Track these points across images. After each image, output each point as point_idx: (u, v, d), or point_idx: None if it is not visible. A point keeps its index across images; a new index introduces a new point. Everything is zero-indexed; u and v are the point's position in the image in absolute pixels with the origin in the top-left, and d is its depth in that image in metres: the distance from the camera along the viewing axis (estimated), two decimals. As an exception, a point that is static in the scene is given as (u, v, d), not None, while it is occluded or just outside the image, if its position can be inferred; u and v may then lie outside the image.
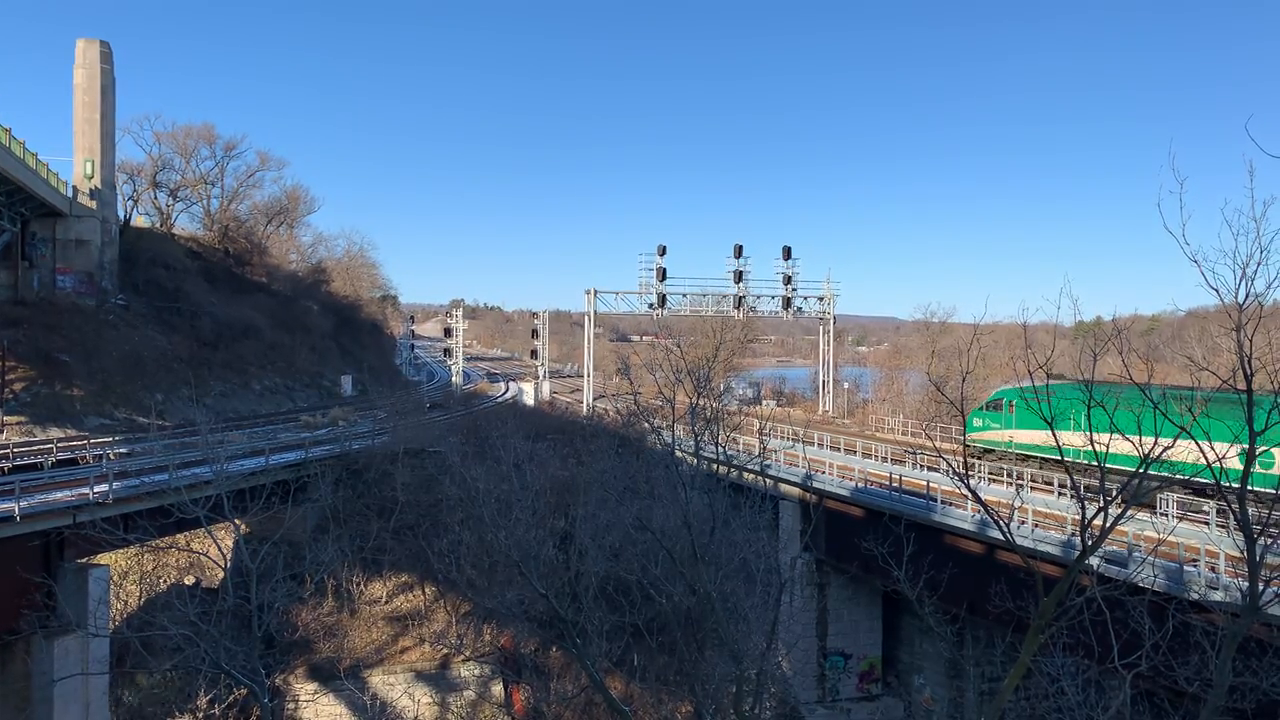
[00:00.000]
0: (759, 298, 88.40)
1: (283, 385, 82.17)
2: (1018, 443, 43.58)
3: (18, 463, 42.20)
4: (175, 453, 38.01)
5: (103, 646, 33.13)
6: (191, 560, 44.88)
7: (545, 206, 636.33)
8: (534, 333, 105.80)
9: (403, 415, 57.86)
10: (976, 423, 46.05)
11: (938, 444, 42.57)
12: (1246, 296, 14.66)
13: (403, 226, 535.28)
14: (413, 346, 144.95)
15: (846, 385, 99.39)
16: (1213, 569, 25.47)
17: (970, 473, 38.96)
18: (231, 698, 38.52)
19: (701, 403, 30.00)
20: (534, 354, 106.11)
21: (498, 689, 42.57)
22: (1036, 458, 42.19)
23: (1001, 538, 20.62)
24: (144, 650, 36.06)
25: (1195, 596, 24.23)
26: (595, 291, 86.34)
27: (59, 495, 33.54)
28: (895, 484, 39.72)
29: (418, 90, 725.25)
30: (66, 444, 47.65)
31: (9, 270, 67.53)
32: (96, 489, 33.29)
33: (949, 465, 28.01)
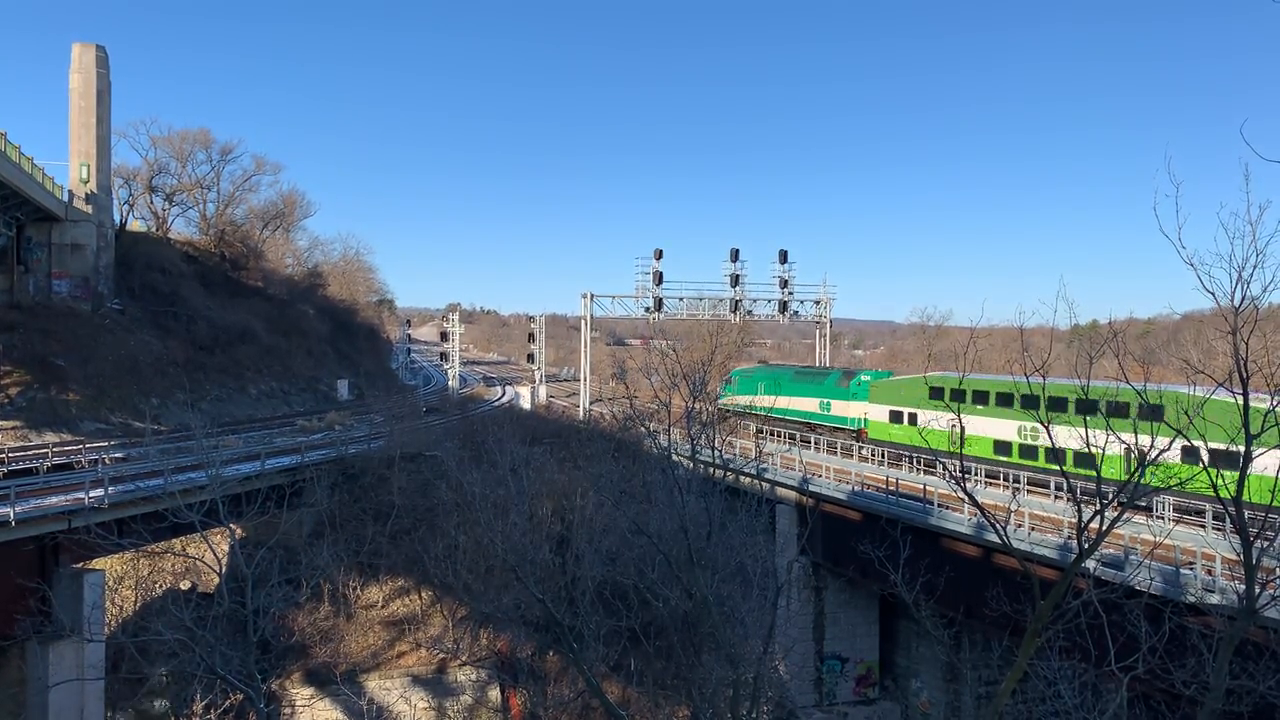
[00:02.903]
0: (755, 301, 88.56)
1: (279, 389, 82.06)
2: (736, 404, 68.54)
3: (13, 467, 42.07)
4: (171, 457, 37.82)
5: (98, 652, 33.03)
6: (187, 565, 44.77)
7: (542, 211, 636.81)
8: (530, 337, 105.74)
9: (399, 419, 57.83)
10: (722, 393, 71.79)
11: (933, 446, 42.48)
12: (1242, 300, 14.70)
13: (399, 230, 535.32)
14: (409, 350, 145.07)
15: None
16: (1209, 572, 25.52)
17: (967, 476, 38.90)
18: (227, 702, 38.41)
19: (697, 406, 30.02)
20: (530, 358, 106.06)
21: (494, 694, 42.50)
22: (745, 411, 66.86)
23: (998, 541, 20.65)
24: (139, 655, 35.99)
25: (1192, 599, 24.24)
26: (591, 295, 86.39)
27: (54, 500, 33.43)
28: (892, 487, 39.74)
29: (414, 95, 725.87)
30: (62, 449, 47.52)
31: (4, 275, 67.37)
32: (92, 494, 33.18)
33: (945, 469, 27.94)
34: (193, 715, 37.64)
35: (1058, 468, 32.17)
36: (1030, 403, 40.62)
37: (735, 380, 75.09)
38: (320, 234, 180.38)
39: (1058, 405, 38.99)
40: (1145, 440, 16.29)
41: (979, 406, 47.79)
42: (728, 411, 66.41)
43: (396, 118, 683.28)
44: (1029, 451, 44.32)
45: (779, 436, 62.63)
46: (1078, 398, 34.29)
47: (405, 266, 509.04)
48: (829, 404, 62.42)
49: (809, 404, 63.79)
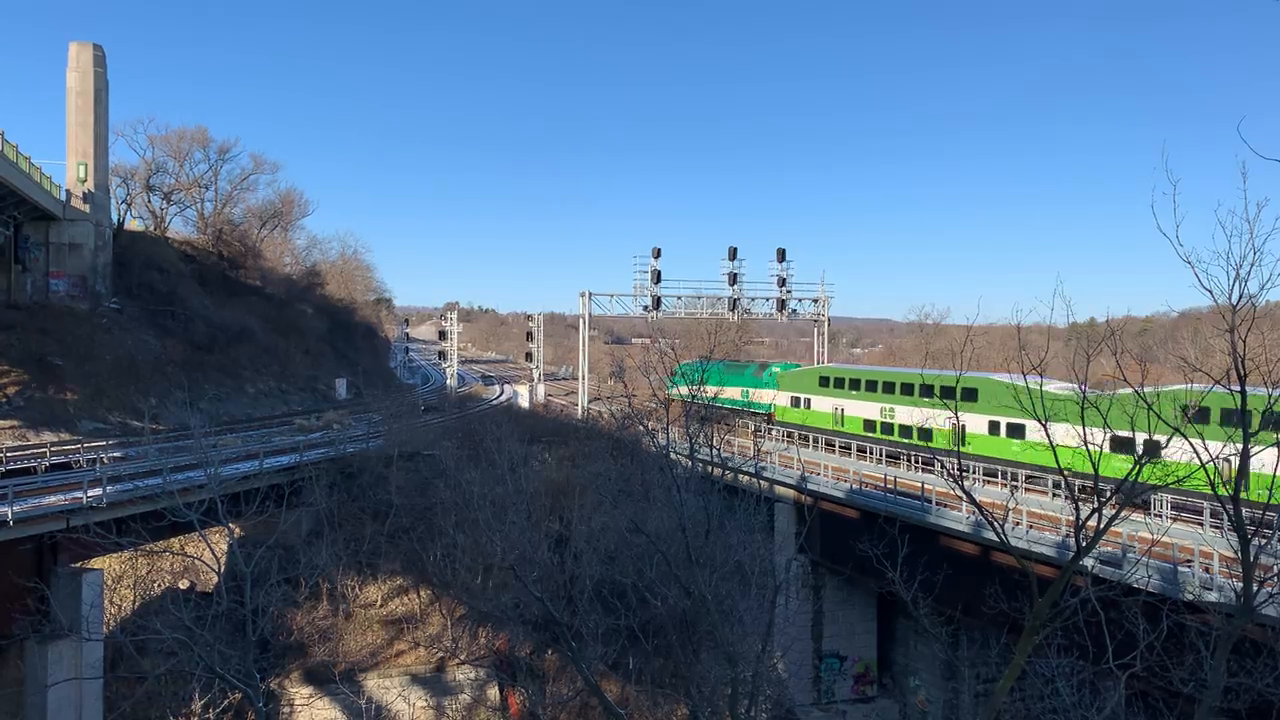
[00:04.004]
0: (753, 300, 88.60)
1: (277, 388, 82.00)
2: (680, 394, 75.81)
3: (11, 467, 42.04)
4: (169, 456, 37.77)
5: (96, 651, 33.00)
6: (185, 564, 44.76)
7: (540, 209, 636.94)
8: (529, 335, 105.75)
9: (397, 418, 57.80)
10: (669, 385, 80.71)
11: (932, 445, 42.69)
12: (1240, 298, 14.73)
13: (397, 229, 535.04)
14: (407, 349, 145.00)
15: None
16: (1207, 570, 25.55)
17: (965, 474, 39.05)
18: (226, 702, 38.37)
19: (695, 405, 30.00)
20: (529, 356, 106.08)
21: (493, 692, 42.50)
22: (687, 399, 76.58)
23: (996, 539, 20.68)
24: (138, 655, 35.92)
25: (1190, 597, 24.29)
26: (590, 294, 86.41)
27: (52, 499, 33.42)
28: (890, 485, 39.78)
29: (412, 94, 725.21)
30: (60, 448, 47.49)
31: (2, 274, 67.29)
32: (90, 493, 33.17)
33: (943, 467, 28.05)
34: (191, 714, 37.61)
35: (905, 440, 50.54)
36: (889, 389, 54.36)
37: (679, 373, 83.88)
38: (318, 233, 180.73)
39: (907, 390, 52.07)
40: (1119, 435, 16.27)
41: (853, 392, 57.78)
42: (673, 400, 76.96)
43: (395, 116, 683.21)
44: (887, 428, 53.94)
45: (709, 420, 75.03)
46: (919, 383, 49.75)
47: (403, 265, 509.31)
48: (749, 392, 69.42)
49: (735, 393, 70.02)
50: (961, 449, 39.41)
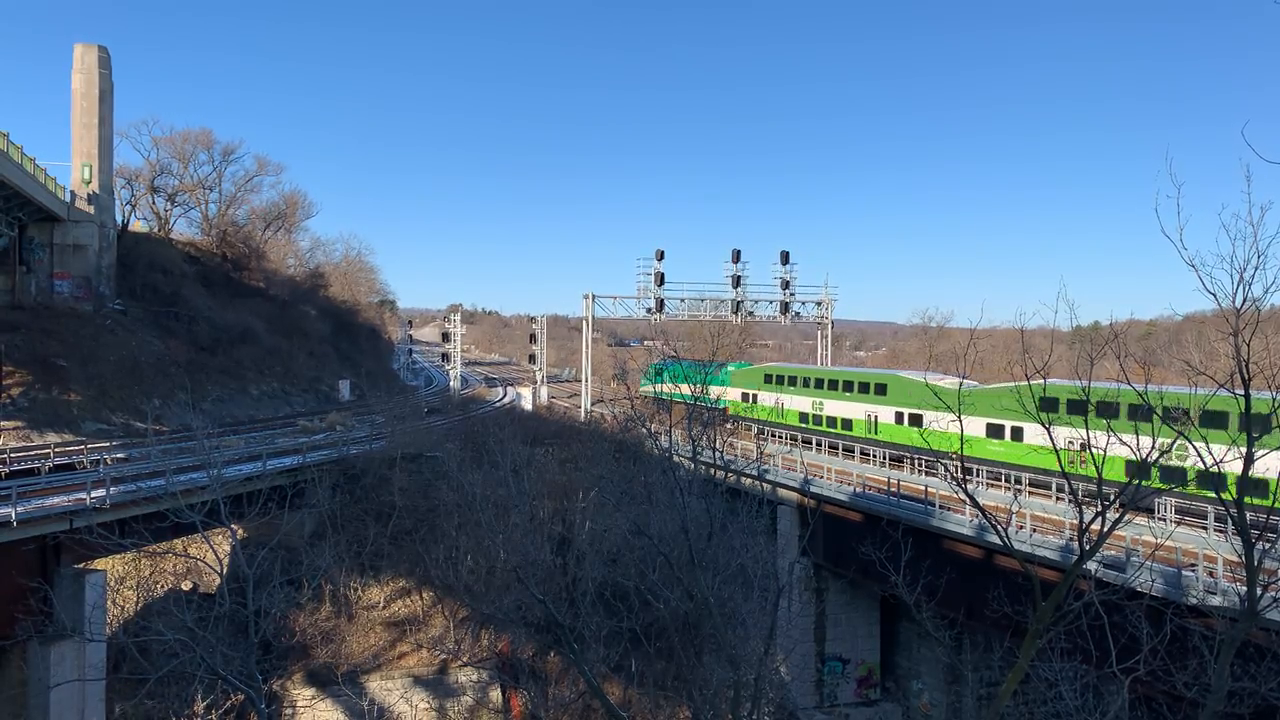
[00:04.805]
0: (757, 302, 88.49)
1: (280, 390, 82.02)
2: (652, 391, 79.52)
3: (14, 468, 42.08)
4: (172, 458, 37.87)
5: (99, 652, 33.03)
6: (188, 565, 44.78)
7: (543, 211, 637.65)
8: (532, 337, 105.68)
9: (400, 420, 57.80)
10: (643, 382, 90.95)
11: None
12: (1244, 301, 14.71)
13: (401, 231, 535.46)
14: (410, 351, 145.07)
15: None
16: (1211, 574, 25.48)
17: (968, 477, 39.05)
18: (228, 703, 38.41)
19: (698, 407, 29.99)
20: (532, 359, 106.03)
21: (495, 694, 42.49)
22: (657, 396, 76.07)
23: (999, 542, 20.63)
24: (140, 656, 35.92)
25: (1193, 601, 24.21)
26: (593, 296, 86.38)
27: (55, 500, 33.44)
28: (893, 488, 39.71)
29: (416, 96, 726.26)
30: (63, 449, 47.53)
31: (6, 275, 67.42)
32: (93, 494, 33.21)
33: (947, 470, 28.13)
34: (193, 715, 37.63)
35: (831, 430, 60.19)
36: (819, 385, 63.27)
37: (651, 372, 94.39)
38: (322, 234, 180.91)
39: (833, 386, 61.57)
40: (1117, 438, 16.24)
41: (791, 388, 65.71)
42: (646, 397, 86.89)
43: (399, 118, 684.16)
44: (817, 420, 62.38)
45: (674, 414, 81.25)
46: (852, 380, 60.23)
47: (407, 267, 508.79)
48: (708, 390, 75.68)
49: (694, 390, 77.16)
50: (874, 436, 56.19)
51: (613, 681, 40.92)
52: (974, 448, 46.40)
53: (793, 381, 65.63)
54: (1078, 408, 31.35)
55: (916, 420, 51.06)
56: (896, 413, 54.35)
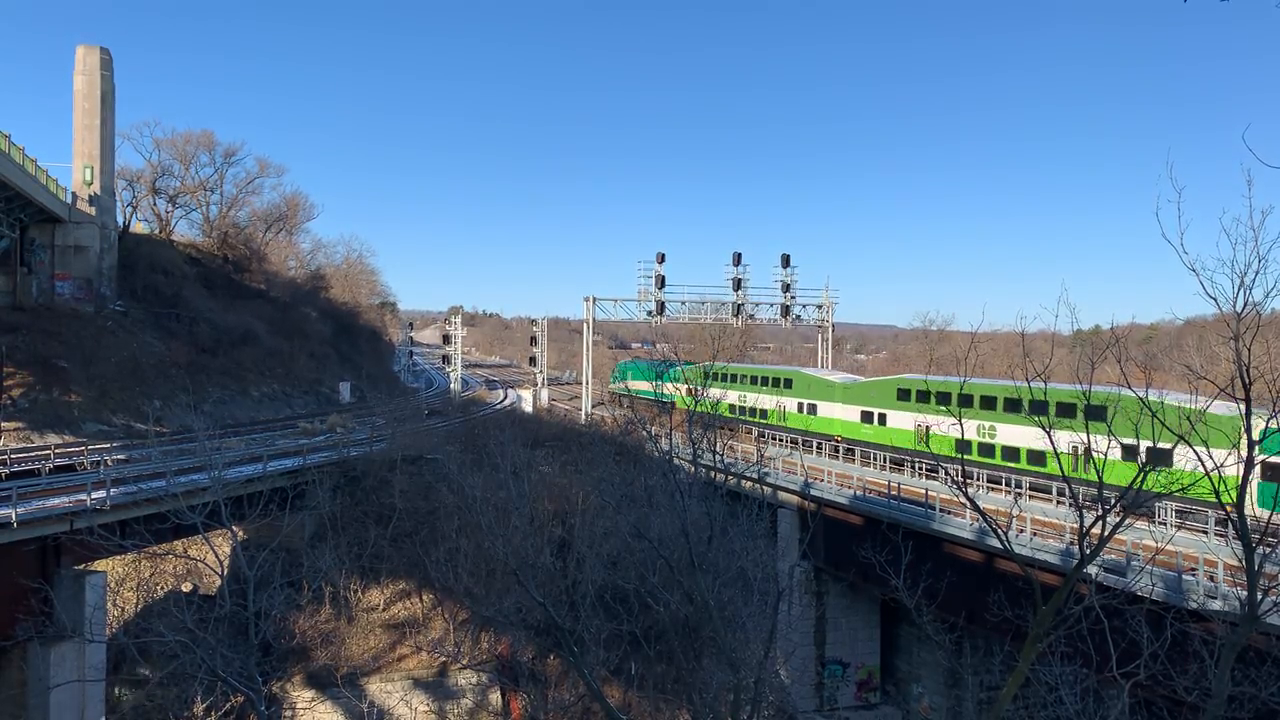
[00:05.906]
0: (758, 305, 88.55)
1: (281, 392, 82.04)
2: (618, 388, 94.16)
3: (15, 469, 42.09)
4: (173, 459, 37.88)
5: (99, 653, 33.02)
6: (189, 567, 44.77)
7: (544, 214, 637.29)
8: (532, 340, 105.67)
9: (401, 422, 57.86)
10: (612, 379, 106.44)
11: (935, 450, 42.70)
12: (1244, 305, 14.73)
13: (402, 233, 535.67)
14: (411, 353, 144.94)
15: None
16: (1211, 578, 25.46)
17: (968, 481, 39.09)
18: (228, 704, 38.39)
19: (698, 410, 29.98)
20: (532, 361, 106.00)
21: (495, 697, 42.47)
22: (622, 392, 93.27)
23: (1000, 546, 20.63)
24: (140, 657, 35.98)
25: (1194, 605, 24.19)
26: (594, 299, 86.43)
27: (56, 501, 33.43)
28: (894, 492, 39.71)
29: (417, 98, 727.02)
30: (64, 450, 47.55)
31: (7, 276, 67.48)
32: (94, 495, 33.20)
33: (947, 473, 28.14)
34: (193, 717, 37.63)
35: (754, 420, 72.30)
36: (750, 381, 73.80)
37: (617, 371, 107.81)
38: (323, 236, 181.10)
39: (754, 381, 73.36)
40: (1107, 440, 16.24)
41: (726, 384, 71.56)
42: (613, 393, 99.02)
43: (400, 121, 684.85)
44: (745, 410, 72.72)
45: (632, 406, 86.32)
46: (768, 376, 72.26)
47: (408, 269, 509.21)
48: (661, 387, 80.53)
49: (648, 385, 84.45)
50: (783, 424, 68.14)
51: (613, 684, 40.90)
52: (851, 430, 58.02)
53: (730, 378, 73.09)
54: (923, 397, 50.34)
55: (813, 409, 64.22)
56: (799, 403, 66.57)
